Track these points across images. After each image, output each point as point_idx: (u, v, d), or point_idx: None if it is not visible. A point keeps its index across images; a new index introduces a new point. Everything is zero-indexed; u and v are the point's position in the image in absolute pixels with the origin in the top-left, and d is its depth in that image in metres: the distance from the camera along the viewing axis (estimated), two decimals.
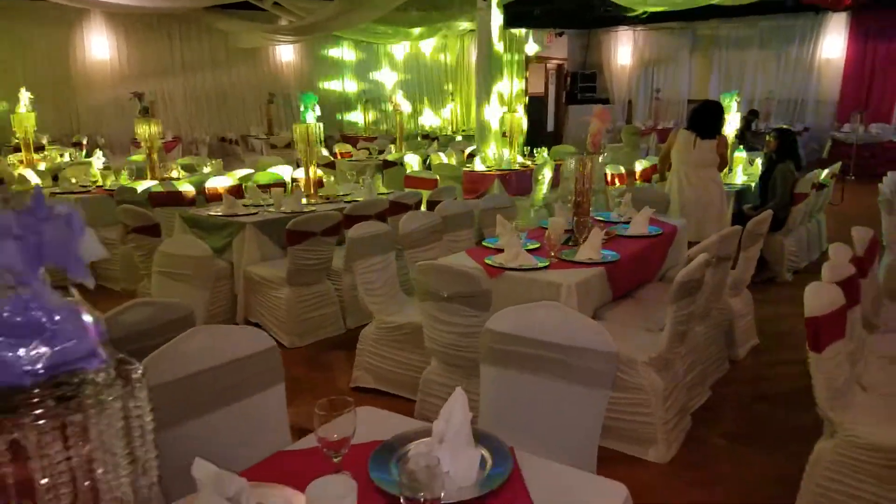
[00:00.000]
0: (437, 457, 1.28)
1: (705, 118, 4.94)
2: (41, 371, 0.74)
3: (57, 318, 0.73)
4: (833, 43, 13.61)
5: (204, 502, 1.22)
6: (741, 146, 6.84)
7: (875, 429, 2.25)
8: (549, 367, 2.00)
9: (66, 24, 11.12)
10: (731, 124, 6.02)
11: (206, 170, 6.68)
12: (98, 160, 7.12)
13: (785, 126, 8.80)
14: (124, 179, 5.91)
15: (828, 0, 7.51)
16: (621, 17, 12.64)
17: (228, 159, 9.66)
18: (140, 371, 0.80)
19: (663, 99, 15.40)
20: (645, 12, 9.99)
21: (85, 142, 10.58)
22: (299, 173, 5.88)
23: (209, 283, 3.09)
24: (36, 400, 0.75)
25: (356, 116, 14.82)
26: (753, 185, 6.00)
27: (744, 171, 6.29)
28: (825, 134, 13.01)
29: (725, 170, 5.82)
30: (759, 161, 6.33)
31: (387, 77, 15.28)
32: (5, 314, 0.72)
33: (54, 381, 0.77)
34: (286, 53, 13.61)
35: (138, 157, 7.44)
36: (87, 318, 0.76)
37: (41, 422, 0.73)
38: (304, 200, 5.06)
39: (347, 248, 3.55)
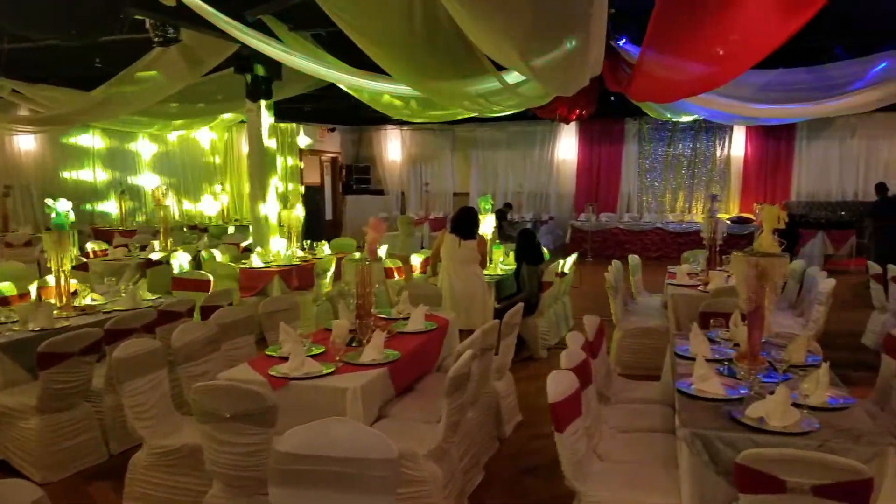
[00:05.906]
0: None
1: (463, 223, 5.60)
2: None
3: None
4: (567, 146, 16.09)
5: None
6: (499, 241, 7.70)
7: (612, 495, 2.68)
8: (338, 480, 2.11)
9: None
10: (488, 223, 6.79)
11: None
12: None
13: (527, 226, 10.09)
14: None
15: (560, 115, 8.93)
16: (387, 118, 13.63)
17: None
18: None
19: (432, 191, 16.74)
20: None
21: None
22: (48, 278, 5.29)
23: None
24: None
25: (109, 206, 13.40)
26: (510, 275, 6.80)
27: (503, 262, 7.09)
28: (567, 222, 15.11)
29: (488, 265, 6.59)
30: (513, 254, 7.16)
31: (143, 149, 14.14)
32: None
33: None
34: (25, 142, 12.15)
35: None
36: None
37: None
38: (55, 314, 4.57)
39: (113, 370, 3.30)
